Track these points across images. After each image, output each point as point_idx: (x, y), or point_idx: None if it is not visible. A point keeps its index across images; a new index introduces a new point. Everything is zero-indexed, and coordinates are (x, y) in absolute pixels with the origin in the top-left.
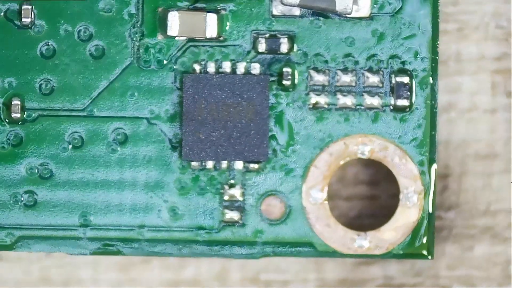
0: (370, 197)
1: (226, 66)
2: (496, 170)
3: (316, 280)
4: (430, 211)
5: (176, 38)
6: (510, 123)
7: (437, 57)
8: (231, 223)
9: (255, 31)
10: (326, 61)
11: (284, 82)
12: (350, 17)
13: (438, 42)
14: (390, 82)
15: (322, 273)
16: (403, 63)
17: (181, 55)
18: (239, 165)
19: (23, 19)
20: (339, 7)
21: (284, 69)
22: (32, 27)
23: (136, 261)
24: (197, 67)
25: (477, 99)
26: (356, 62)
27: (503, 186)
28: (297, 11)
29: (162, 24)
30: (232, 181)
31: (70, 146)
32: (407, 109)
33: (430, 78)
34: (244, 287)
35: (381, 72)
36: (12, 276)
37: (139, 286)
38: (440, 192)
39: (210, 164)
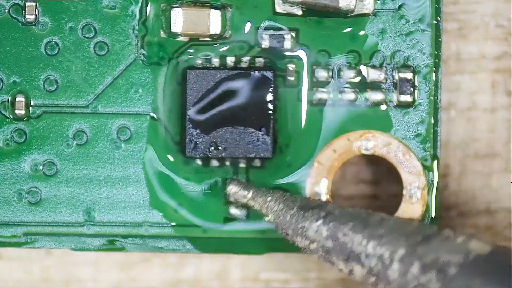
0: (371, 196)
1: (230, 62)
2: (496, 169)
3: (317, 279)
4: (434, 207)
5: (179, 36)
6: (510, 123)
7: (440, 53)
8: (235, 219)
9: (259, 27)
10: (330, 57)
11: (288, 78)
12: (353, 14)
13: (441, 37)
14: (393, 78)
15: (323, 272)
16: (407, 58)
17: (185, 51)
18: (242, 161)
19: (27, 16)
20: (342, 4)
21: (288, 65)
22: (36, 24)
23: (137, 260)
24: (200, 63)
25: (477, 99)
26: (360, 58)
27: (503, 185)
28: (299, 11)
29: (165, 21)
30: (235, 177)
31: (74, 143)
32: (410, 105)
33: (433, 74)
34: (245, 286)
35: (384, 68)
36: (12, 275)
37: (140, 285)
38: (440, 191)
39: (213, 160)
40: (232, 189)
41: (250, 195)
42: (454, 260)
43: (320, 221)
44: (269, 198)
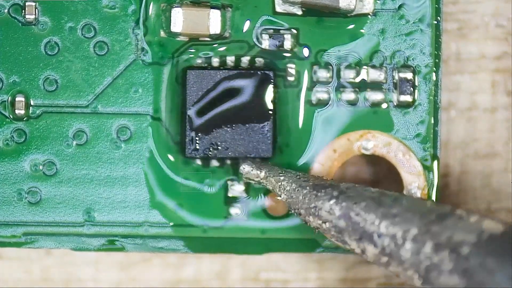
0: None
1: (230, 62)
2: (496, 169)
3: (317, 279)
4: None
5: (179, 36)
6: (510, 122)
7: (440, 53)
8: (235, 219)
9: (259, 27)
10: (330, 57)
11: (288, 78)
12: (353, 14)
13: (441, 37)
14: (393, 78)
15: (323, 272)
16: (407, 58)
17: (185, 51)
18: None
19: (27, 16)
20: (342, 4)
21: (288, 65)
22: (36, 24)
23: (137, 260)
24: (200, 63)
25: (477, 98)
26: (360, 58)
27: (503, 185)
28: (299, 11)
29: (165, 20)
30: (236, 177)
31: (74, 143)
32: (411, 105)
33: (433, 74)
34: (245, 286)
35: (384, 68)
36: (12, 275)
37: (140, 285)
38: (440, 191)
39: (213, 160)
40: (245, 168)
41: (263, 174)
42: (468, 239)
43: (332, 201)
44: (282, 178)
